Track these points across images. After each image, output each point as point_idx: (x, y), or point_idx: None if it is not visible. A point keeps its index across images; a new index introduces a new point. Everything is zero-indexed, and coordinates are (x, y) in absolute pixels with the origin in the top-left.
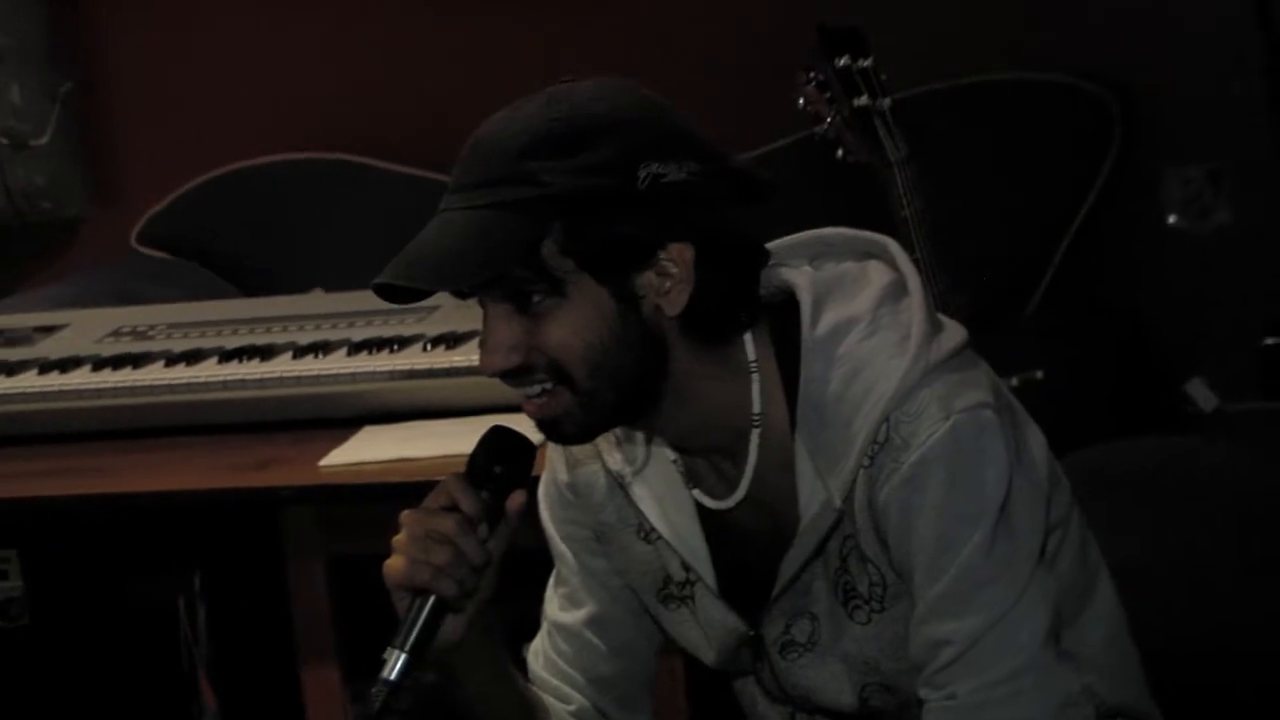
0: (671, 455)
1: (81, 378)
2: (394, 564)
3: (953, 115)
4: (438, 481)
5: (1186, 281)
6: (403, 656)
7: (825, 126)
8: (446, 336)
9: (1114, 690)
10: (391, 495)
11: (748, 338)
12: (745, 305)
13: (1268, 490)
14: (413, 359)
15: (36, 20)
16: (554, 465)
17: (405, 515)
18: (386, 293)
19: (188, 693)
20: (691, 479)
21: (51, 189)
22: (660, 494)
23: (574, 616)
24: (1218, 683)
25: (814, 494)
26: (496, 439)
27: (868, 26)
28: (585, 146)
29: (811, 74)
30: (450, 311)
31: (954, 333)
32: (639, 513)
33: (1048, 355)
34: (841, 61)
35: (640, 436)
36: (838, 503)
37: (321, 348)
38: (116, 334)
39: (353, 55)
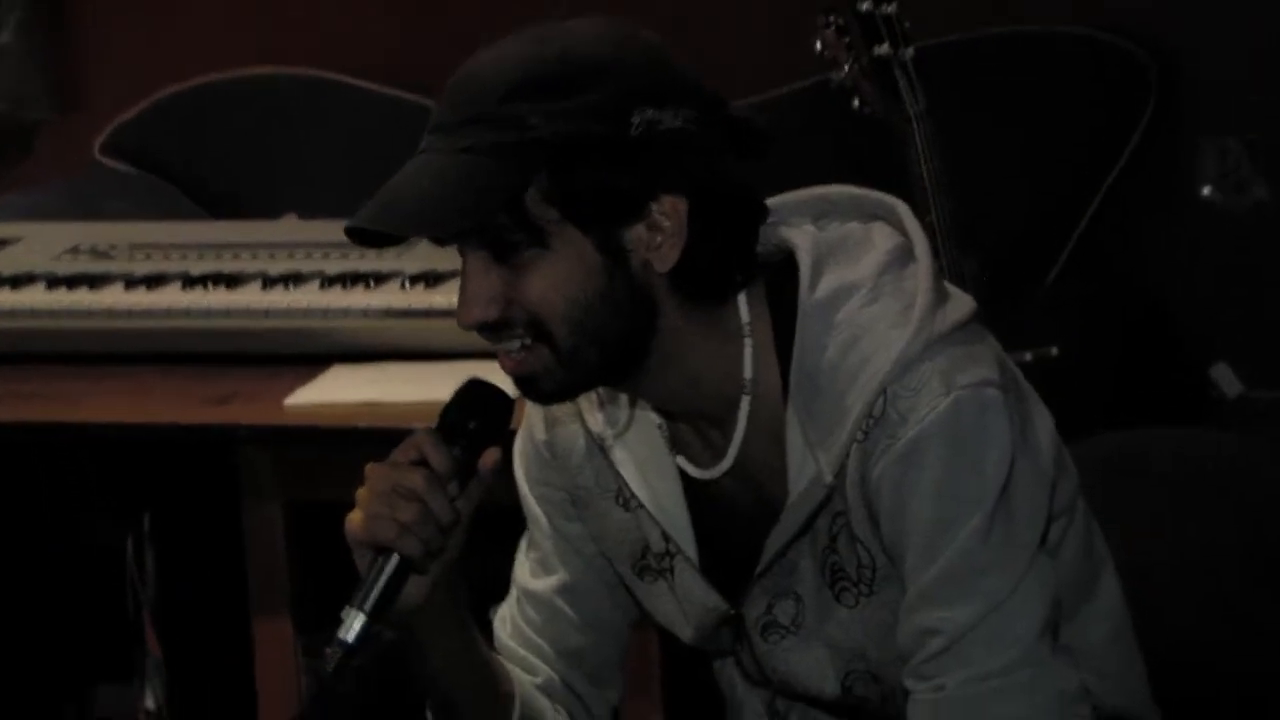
0: (656, 419)
1: (34, 296)
2: (356, 519)
3: (976, 68)
4: (408, 431)
5: (1216, 259)
6: (361, 617)
7: (842, 74)
8: (426, 274)
9: (1114, 693)
10: (358, 441)
11: (742, 299)
12: (740, 264)
13: None
14: (389, 296)
15: None
16: (532, 422)
17: (371, 468)
18: (359, 236)
19: (131, 639)
20: (676, 445)
21: (10, 90)
22: (642, 459)
23: (545, 583)
24: (1230, 696)
25: (804, 467)
26: (471, 392)
27: None
28: (576, 89)
29: (831, 17)
30: (431, 247)
31: (961, 304)
32: (619, 477)
33: (1064, 331)
34: (864, 5)
35: (624, 398)
36: (828, 477)
37: (293, 279)
38: (74, 251)
39: None
